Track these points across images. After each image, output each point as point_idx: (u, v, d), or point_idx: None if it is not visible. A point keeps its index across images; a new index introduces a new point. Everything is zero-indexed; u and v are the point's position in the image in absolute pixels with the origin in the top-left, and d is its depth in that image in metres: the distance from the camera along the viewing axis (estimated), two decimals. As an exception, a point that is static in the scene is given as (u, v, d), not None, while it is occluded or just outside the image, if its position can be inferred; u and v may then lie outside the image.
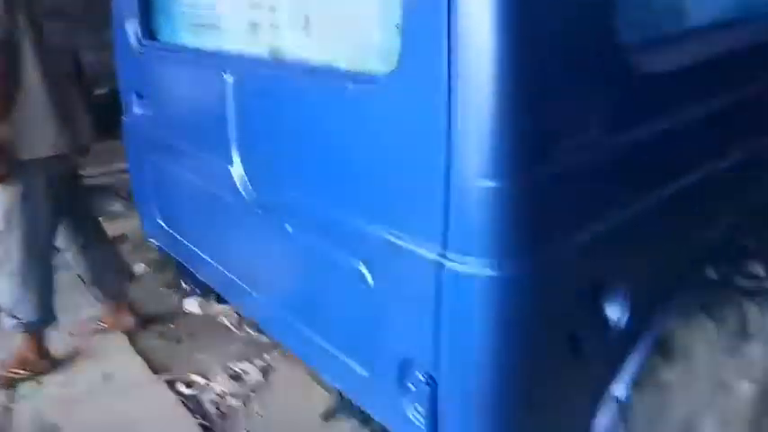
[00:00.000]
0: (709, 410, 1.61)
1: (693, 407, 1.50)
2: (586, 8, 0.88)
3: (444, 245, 0.93)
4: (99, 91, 4.18)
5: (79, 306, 3.12)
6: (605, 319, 1.10)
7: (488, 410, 1.03)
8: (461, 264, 0.92)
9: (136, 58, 1.87)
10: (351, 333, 1.22)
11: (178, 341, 2.91)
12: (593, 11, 0.88)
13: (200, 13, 1.72)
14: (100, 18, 4.34)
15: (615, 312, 1.11)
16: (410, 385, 1.09)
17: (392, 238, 1.02)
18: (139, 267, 3.53)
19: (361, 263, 1.11)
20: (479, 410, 1.03)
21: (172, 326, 3.04)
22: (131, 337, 2.95)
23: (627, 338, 1.17)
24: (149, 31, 1.87)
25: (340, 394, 1.49)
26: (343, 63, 1.25)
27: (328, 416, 1.48)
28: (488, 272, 0.90)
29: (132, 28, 1.86)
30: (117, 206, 4.12)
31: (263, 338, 2.84)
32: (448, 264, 0.93)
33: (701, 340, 1.48)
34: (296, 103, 1.21)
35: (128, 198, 3.40)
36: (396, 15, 1.06)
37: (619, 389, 1.22)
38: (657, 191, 1.06)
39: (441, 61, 0.85)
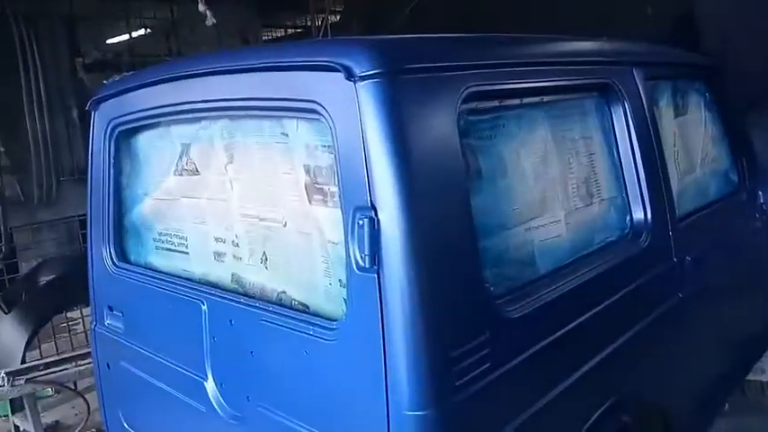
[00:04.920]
0: None
1: None
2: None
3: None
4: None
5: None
6: None
7: None
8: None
9: (110, 276, 2.16)
10: None
11: None
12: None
13: (171, 242, 2.08)
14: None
15: None
16: None
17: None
18: (77, 459, 3.46)
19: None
20: None
21: None
22: None
23: None
24: (122, 252, 2.18)
25: None
26: (294, 294, 1.62)
27: None
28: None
29: (107, 251, 2.17)
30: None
31: None
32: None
33: None
34: (264, 336, 1.53)
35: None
36: (339, 272, 1.46)
37: None
38: (538, 405, 1.45)
39: (377, 327, 1.24)
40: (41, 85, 4.79)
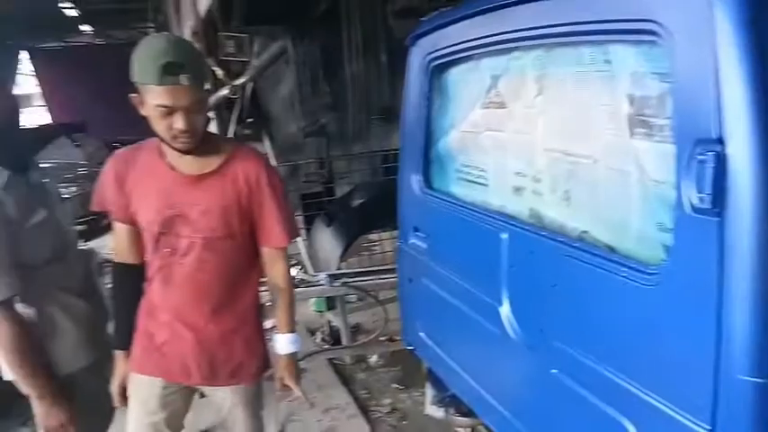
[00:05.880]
0: None
1: None
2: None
3: (713, 425, 1.11)
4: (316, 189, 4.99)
5: None
6: None
7: None
8: (730, 446, 1.09)
9: (417, 201, 2.38)
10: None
11: (409, 436, 3.26)
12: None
13: (471, 173, 2.17)
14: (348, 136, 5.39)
15: None
16: None
17: (661, 405, 1.22)
18: (373, 358, 4.05)
19: (626, 419, 1.32)
20: None
21: (405, 422, 3.42)
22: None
23: None
24: (428, 180, 2.38)
25: None
26: (598, 235, 1.53)
27: None
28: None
29: (416, 178, 2.39)
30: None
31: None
32: (716, 442, 1.11)
33: None
34: (568, 271, 1.50)
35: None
36: (659, 214, 1.32)
37: None
38: None
39: (711, 277, 1.09)
40: (358, 32, 5.41)
